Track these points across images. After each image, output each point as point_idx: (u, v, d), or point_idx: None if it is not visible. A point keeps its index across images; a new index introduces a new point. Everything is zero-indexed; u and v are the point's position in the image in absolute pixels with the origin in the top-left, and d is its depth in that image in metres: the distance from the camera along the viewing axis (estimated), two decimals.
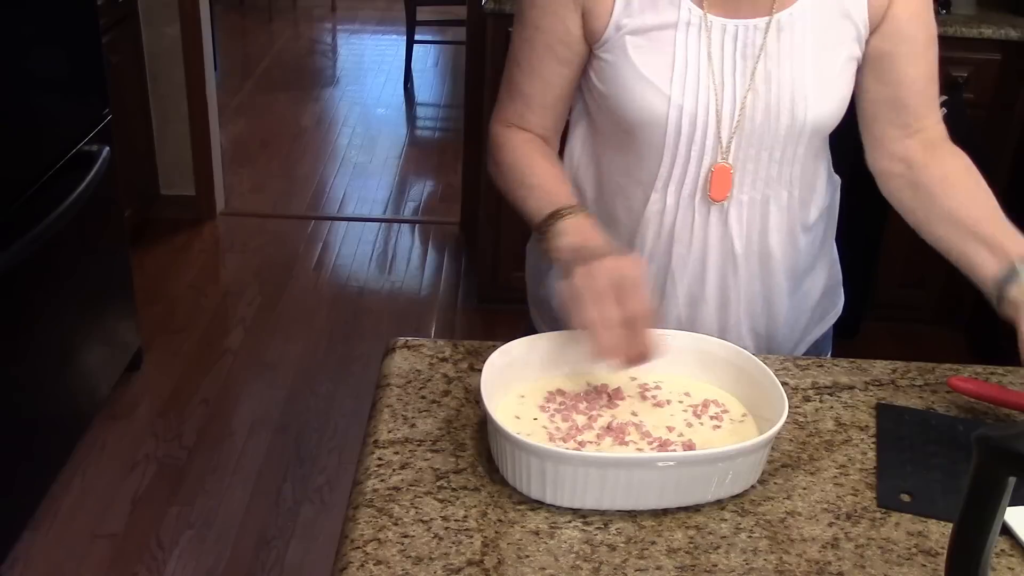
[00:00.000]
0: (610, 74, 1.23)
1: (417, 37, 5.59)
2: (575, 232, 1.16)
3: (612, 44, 1.22)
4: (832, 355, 1.47)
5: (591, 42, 1.24)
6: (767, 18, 1.20)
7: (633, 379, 1.15)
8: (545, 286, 1.40)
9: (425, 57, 6.12)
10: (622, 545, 0.96)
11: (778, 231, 1.30)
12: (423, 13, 5.48)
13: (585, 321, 1.07)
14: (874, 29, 1.24)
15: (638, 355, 1.07)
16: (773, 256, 1.31)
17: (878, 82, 1.27)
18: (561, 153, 1.36)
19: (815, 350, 1.46)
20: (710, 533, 0.99)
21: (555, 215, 1.18)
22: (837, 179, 1.39)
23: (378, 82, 5.77)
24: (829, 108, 1.24)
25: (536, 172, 1.27)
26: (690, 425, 1.09)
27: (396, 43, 6.11)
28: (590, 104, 1.31)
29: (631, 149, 1.26)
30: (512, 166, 1.30)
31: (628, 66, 1.21)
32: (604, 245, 1.14)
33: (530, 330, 1.44)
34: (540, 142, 1.31)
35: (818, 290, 1.41)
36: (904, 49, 1.26)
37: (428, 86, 5.93)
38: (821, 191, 1.34)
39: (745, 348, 1.19)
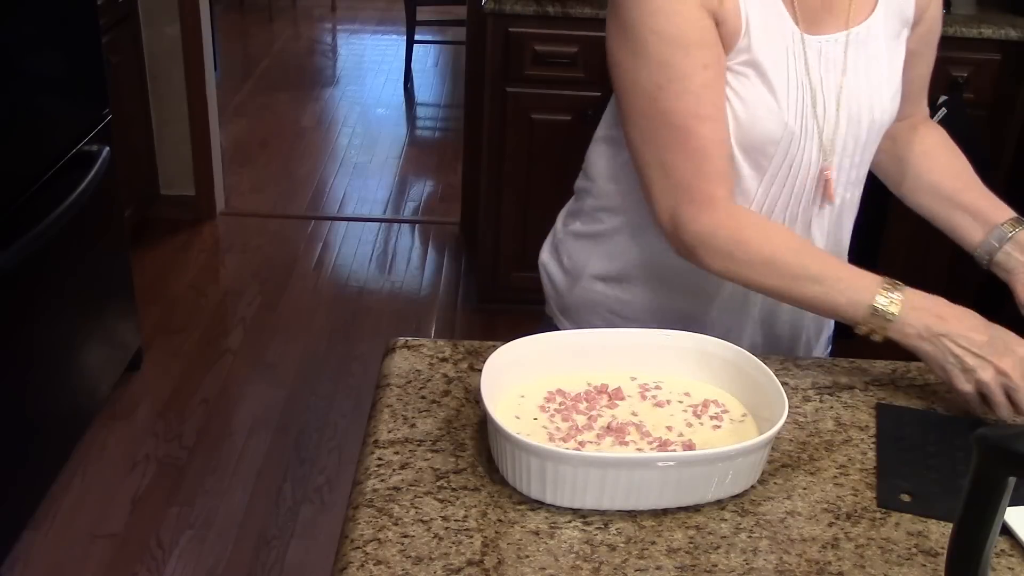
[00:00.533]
0: (734, 102, 1.19)
1: (417, 37, 5.59)
2: (924, 306, 1.15)
3: (737, 68, 1.19)
4: (832, 355, 1.47)
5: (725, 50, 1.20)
6: (844, 32, 1.22)
7: (633, 379, 1.15)
8: (584, 288, 1.39)
9: (425, 57, 6.12)
10: (622, 545, 0.96)
11: (848, 230, 1.35)
12: (423, 13, 5.48)
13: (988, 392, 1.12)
14: (913, 26, 1.29)
15: None
16: (844, 255, 1.35)
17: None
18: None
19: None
20: (710, 533, 0.99)
21: (884, 297, 1.14)
22: None
23: (378, 82, 5.77)
24: (895, 107, 1.28)
25: (811, 257, 1.19)
26: (690, 425, 1.09)
27: (396, 43, 6.11)
28: None
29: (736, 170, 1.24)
30: (774, 259, 1.17)
31: (752, 93, 1.18)
32: (967, 317, 1.15)
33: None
34: (762, 216, 1.23)
35: None
36: (924, 52, 1.34)
37: (428, 86, 5.93)
38: None
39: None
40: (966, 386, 1.13)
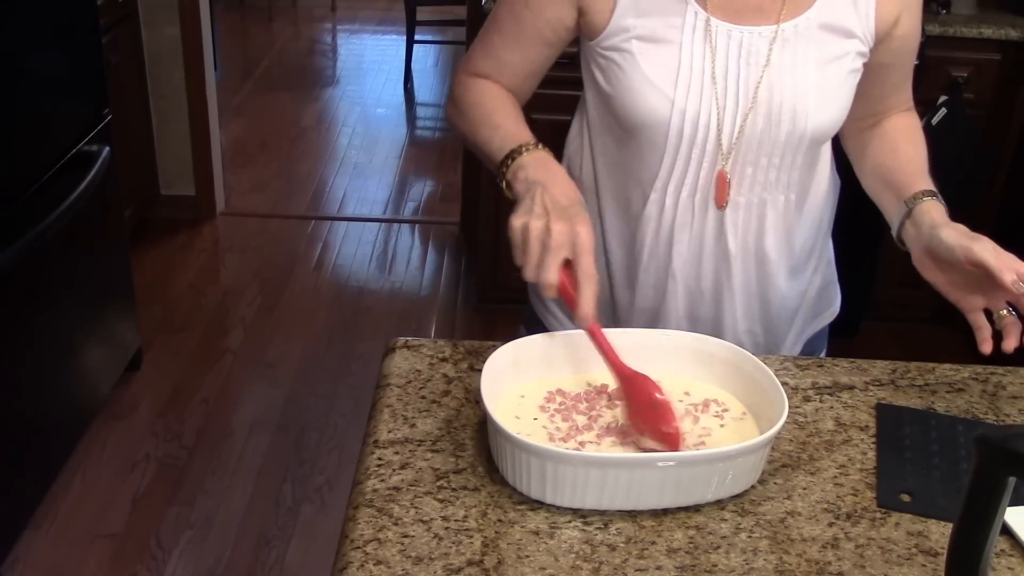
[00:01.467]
0: (616, 75, 1.23)
1: (417, 37, 5.59)
2: (537, 166, 1.16)
3: (618, 45, 1.22)
4: (832, 355, 1.47)
5: (590, 37, 1.25)
6: (773, 27, 1.21)
7: None
8: None
9: (425, 57, 6.12)
10: (622, 545, 0.96)
11: (774, 233, 1.30)
12: (423, 13, 5.48)
13: (522, 237, 1.08)
14: (878, 43, 1.27)
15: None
16: (768, 257, 1.32)
17: (867, 85, 1.30)
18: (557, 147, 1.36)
19: (809, 348, 1.46)
20: (710, 533, 0.99)
21: (517, 151, 1.18)
22: (838, 181, 1.39)
23: (378, 82, 5.77)
24: (829, 119, 1.25)
25: (501, 113, 1.27)
26: (697, 420, 1.09)
27: (396, 43, 6.11)
28: (591, 101, 1.31)
29: (632, 148, 1.27)
30: (477, 106, 1.29)
31: (635, 68, 1.21)
32: (568, 187, 1.14)
33: (530, 320, 1.45)
34: (508, 92, 1.31)
35: (814, 288, 1.42)
36: (901, 61, 1.32)
37: (428, 86, 5.93)
38: (819, 193, 1.35)
39: (741, 346, 1.19)
40: (516, 221, 1.09)
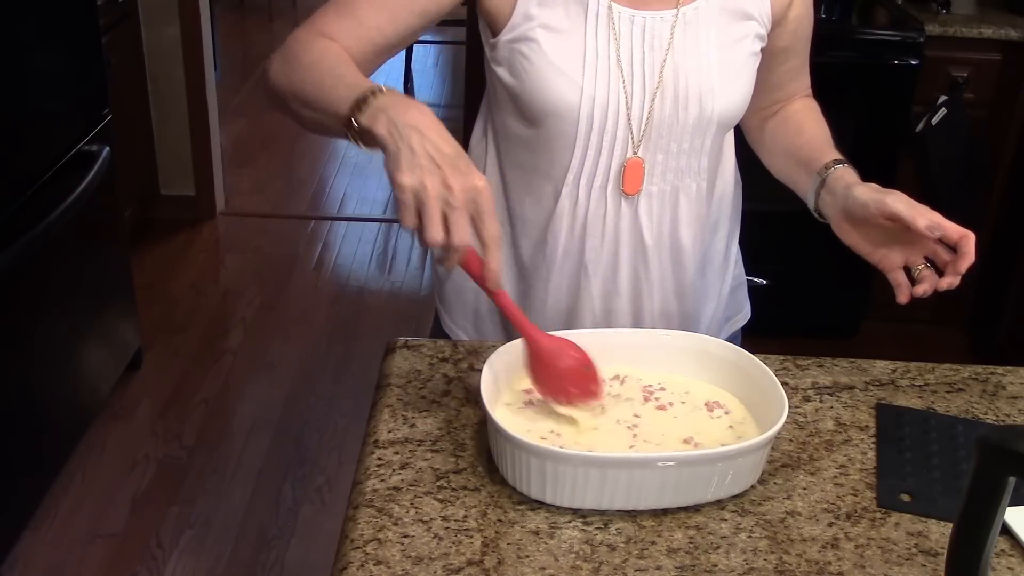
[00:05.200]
0: (523, 66, 1.21)
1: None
2: (399, 106, 1.02)
3: (524, 35, 1.21)
4: (832, 355, 1.47)
5: (494, 31, 1.23)
6: (673, 11, 1.22)
7: (638, 380, 1.15)
8: (460, 275, 1.33)
9: (425, 57, 6.12)
10: (622, 545, 0.96)
11: (688, 223, 1.31)
12: None
13: (416, 198, 0.97)
14: (774, 26, 1.29)
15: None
16: (684, 248, 1.32)
17: (767, 71, 1.32)
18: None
19: None
20: (710, 533, 0.99)
21: (371, 92, 1.05)
22: (740, 180, 1.41)
23: (378, 82, 5.75)
24: (734, 100, 1.26)
25: (345, 67, 1.14)
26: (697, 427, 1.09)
27: None
28: (496, 102, 1.30)
29: (541, 144, 1.26)
30: (318, 60, 1.15)
31: (541, 57, 1.20)
32: (443, 130, 1.01)
33: (436, 327, 1.45)
34: (334, 45, 1.19)
35: (726, 287, 1.44)
36: (798, 45, 1.34)
37: (428, 86, 5.93)
38: (727, 184, 1.36)
39: None
40: (407, 179, 0.97)
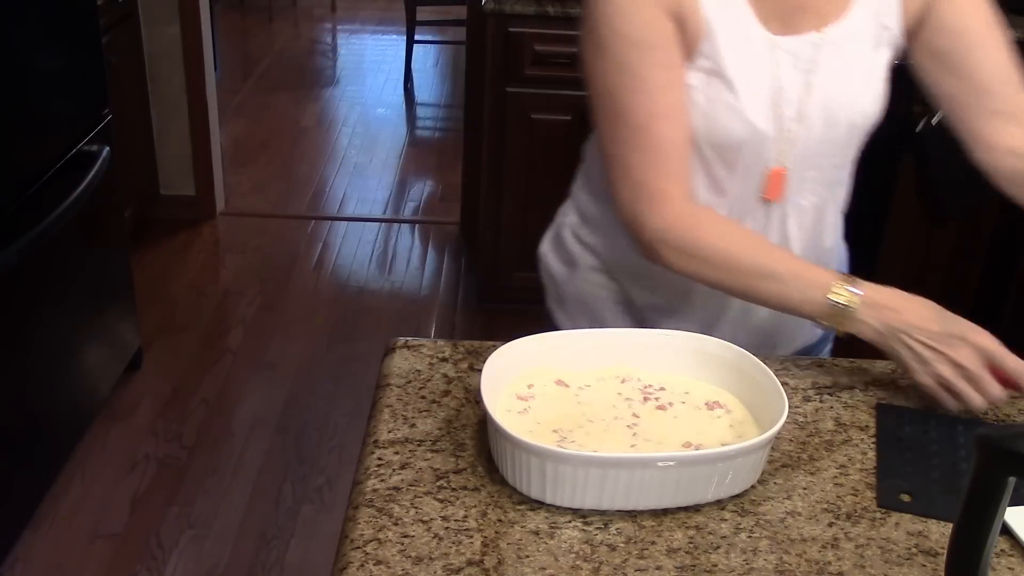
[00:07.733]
0: (691, 97, 1.20)
1: (417, 37, 5.59)
2: (874, 307, 1.14)
3: (699, 70, 1.20)
4: (832, 355, 1.47)
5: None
6: (818, 33, 1.22)
7: (638, 380, 1.15)
8: (581, 279, 1.41)
9: (425, 57, 6.12)
10: (622, 545, 0.96)
11: (832, 231, 1.34)
12: (423, 13, 5.48)
13: (944, 387, 1.12)
14: (914, 31, 1.26)
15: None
16: (827, 256, 1.34)
17: (951, 77, 1.28)
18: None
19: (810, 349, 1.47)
20: (710, 533, 0.99)
21: (836, 295, 1.14)
22: None
23: (378, 82, 5.77)
24: (876, 111, 1.27)
25: (768, 255, 1.19)
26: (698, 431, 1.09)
27: (396, 43, 6.11)
28: None
29: (696, 164, 1.25)
30: (730, 256, 1.18)
31: (716, 92, 1.19)
32: (918, 304, 1.14)
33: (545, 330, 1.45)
34: (718, 214, 1.23)
35: None
36: (965, 42, 1.26)
37: (428, 86, 5.93)
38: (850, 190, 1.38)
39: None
40: (925, 379, 1.12)
